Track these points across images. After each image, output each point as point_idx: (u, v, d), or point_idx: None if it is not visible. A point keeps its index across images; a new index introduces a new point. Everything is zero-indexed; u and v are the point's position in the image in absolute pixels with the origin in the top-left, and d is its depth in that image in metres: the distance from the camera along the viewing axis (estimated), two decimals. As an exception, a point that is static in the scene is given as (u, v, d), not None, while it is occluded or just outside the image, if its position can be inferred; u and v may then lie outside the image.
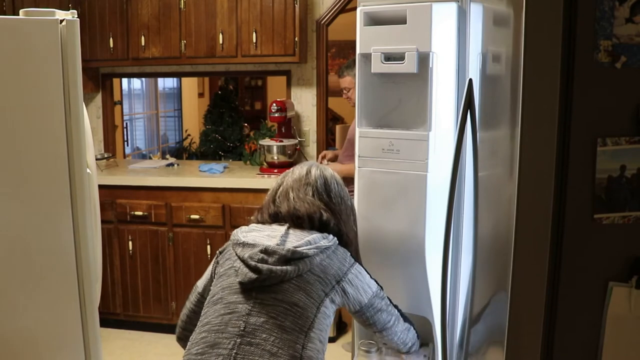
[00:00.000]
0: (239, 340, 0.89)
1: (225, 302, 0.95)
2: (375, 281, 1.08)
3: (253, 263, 0.95)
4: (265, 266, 0.94)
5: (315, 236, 1.01)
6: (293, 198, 1.06)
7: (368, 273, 1.07)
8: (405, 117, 1.23)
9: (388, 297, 1.09)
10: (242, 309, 0.92)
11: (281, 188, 1.10)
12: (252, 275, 0.94)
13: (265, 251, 0.96)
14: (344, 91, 2.32)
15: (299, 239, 1.00)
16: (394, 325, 1.09)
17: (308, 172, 1.10)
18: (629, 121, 0.65)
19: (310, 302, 0.94)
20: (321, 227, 1.04)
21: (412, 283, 1.22)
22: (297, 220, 1.04)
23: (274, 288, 0.94)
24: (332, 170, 1.14)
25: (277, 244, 0.97)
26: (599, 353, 0.68)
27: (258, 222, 1.09)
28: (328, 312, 0.97)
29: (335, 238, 1.04)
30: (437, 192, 1.17)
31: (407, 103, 1.22)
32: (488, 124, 0.89)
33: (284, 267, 0.94)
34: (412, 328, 1.15)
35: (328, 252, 1.00)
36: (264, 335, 0.89)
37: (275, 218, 1.06)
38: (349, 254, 1.06)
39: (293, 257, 0.95)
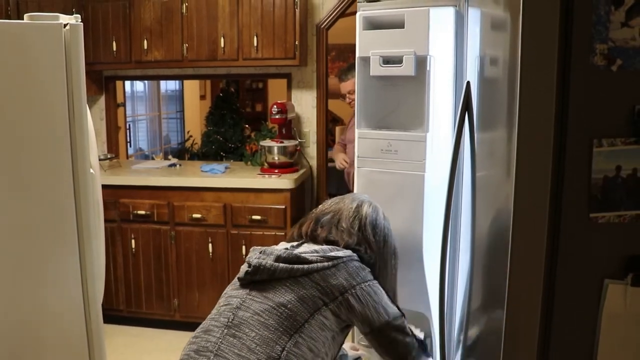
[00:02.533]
0: (225, 330, 0.89)
1: (226, 297, 0.97)
2: (398, 308, 0.99)
3: (249, 260, 0.97)
4: (255, 260, 0.94)
5: (326, 247, 0.98)
6: (324, 221, 1.03)
7: (393, 302, 0.99)
8: (403, 118, 1.22)
9: (411, 330, 1.00)
10: (235, 302, 0.94)
11: (316, 212, 1.07)
12: (245, 269, 0.96)
13: (264, 252, 0.97)
14: (348, 95, 2.25)
15: (307, 249, 0.98)
16: None
17: (359, 206, 1.05)
18: (624, 123, 0.65)
19: (302, 307, 0.90)
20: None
21: (410, 280, 1.21)
22: (316, 240, 1.01)
23: (266, 287, 0.93)
24: (383, 211, 1.08)
25: (283, 249, 0.97)
26: (595, 349, 0.68)
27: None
28: (328, 324, 0.91)
29: (354, 254, 0.98)
30: (435, 192, 1.17)
31: (405, 105, 1.22)
32: (486, 125, 0.88)
33: (275, 263, 0.92)
34: None
35: (336, 262, 0.94)
36: (247, 330, 0.88)
37: (300, 237, 1.06)
38: (367, 270, 0.98)
39: (289, 258, 0.93)
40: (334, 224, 1.02)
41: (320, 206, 1.09)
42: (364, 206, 1.06)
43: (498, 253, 0.74)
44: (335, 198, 1.10)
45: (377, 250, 1.03)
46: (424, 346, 1.04)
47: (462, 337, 1.03)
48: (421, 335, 1.17)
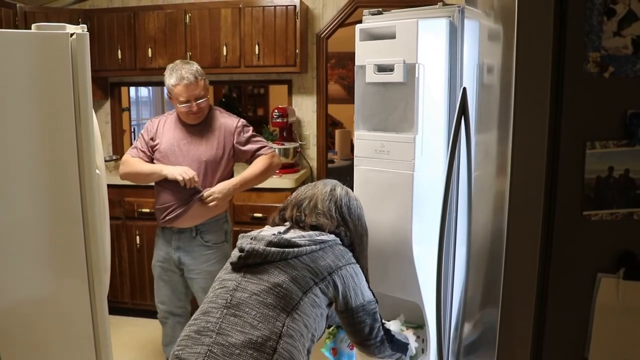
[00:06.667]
0: (225, 310, 0.89)
1: (220, 280, 0.96)
2: (373, 294, 1.00)
3: (240, 246, 0.95)
4: (248, 245, 0.93)
5: (312, 232, 0.98)
6: (304, 207, 1.02)
7: (370, 288, 1.00)
8: (396, 121, 1.22)
9: (381, 320, 1.01)
10: (230, 284, 0.93)
11: (294, 198, 1.07)
12: (238, 254, 0.94)
13: (255, 238, 0.96)
14: (194, 102, 1.64)
15: (295, 234, 0.97)
16: (373, 346, 0.99)
17: (333, 190, 1.06)
18: (616, 126, 0.63)
19: (296, 286, 0.89)
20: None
21: (402, 271, 1.20)
22: (300, 225, 1.01)
23: (259, 269, 0.92)
24: (352, 193, 1.09)
25: (272, 235, 0.96)
26: (588, 340, 0.66)
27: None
28: (318, 302, 0.91)
29: (337, 238, 0.99)
30: (423, 190, 1.17)
31: (397, 109, 1.21)
32: (484, 128, 0.87)
33: (267, 248, 0.92)
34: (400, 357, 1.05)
35: (323, 245, 0.95)
36: (247, 309, 0.87)
37: (282, 221, 1.05)
38: (350, 254, 0.99)
39: (279, 243, 0.93)
40: (312, 208, 1.02)
41: (294, 193, 1.09)
42: (337, 189, 1.07)
43: (494, 247, 0.72)
44: (308, 185, 1.10)
45: (353, 228, 1.04)
46: (389, 336, 1.04)
47: (458, 328, 1.01)
48: (414, 344, 1.16)
